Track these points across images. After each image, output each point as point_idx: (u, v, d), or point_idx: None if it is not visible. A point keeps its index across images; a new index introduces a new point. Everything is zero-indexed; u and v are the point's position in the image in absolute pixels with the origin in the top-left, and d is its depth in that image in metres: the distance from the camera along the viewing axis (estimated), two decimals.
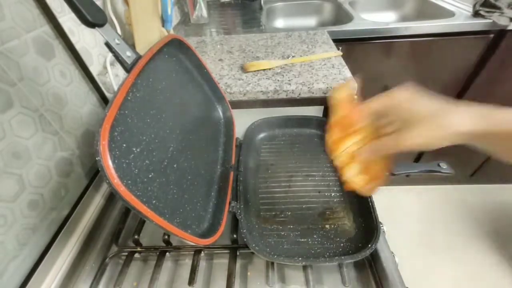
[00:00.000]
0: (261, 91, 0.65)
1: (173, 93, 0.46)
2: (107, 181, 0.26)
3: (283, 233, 0.48)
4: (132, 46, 0.36)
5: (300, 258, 0.42)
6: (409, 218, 1.43)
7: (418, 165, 0.54)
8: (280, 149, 0.66)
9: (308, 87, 0.65)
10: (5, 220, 0.38)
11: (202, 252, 0.47)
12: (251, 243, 0.43)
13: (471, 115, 0.27)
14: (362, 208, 0.48)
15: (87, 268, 0.47)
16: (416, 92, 0.30)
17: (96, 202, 0.55)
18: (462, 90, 1.09)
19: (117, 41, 0.34)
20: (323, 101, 0.68)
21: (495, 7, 0.90)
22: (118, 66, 0.63)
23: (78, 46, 0.53)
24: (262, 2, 1.27)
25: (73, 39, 0.51)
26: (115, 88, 0.60)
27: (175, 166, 0.42)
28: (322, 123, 0.69)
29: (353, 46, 0.96)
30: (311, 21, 1.36)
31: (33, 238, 0.42)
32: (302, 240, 0.47)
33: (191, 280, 0.42)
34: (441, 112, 0.28)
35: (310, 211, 0.51)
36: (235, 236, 0.47)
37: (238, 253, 0.47)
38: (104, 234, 0.52)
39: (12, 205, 0.39)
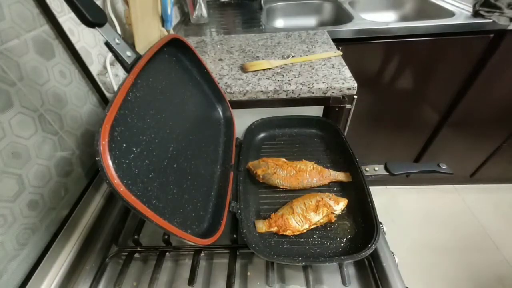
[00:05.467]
0: (261, 91, 0.65)
1: (173, 93, 0.46)
2: (107, 181, 0.26)
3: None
4: (132, 46, 0.36)
5: (300, 258, 0.42)
6: (409, 218, 1.43)
7: (418, 165, 0.54)
8: (280, 149, 0.66)
9: (308, 87, 0.64)
10: (5, 220, 0.38)
11: (202, 252, 0.47)
12: (251, 243, 0.43)
13: None
14: (362, 208, 0.48)
15: (87, 268, 0.47)
16: None
17: (96, 202, 0.55)
18: (462, 90, 1.09)
19: (117, 41, 0.34)
20: (323, 101, 0.68)
21: (495, 7, 0.90)
22: (118, 66, 0.63)
23: (78, 46, 0.52)
24: (262, 2, 1.27)
25: (73, 39, 0.51)
26: (115, 88, 0.60)
27: (175, 166, 0.42)
28: (322, 123, 0.69)
29: (353, 46, 0.96)
30: (311, 21, 1.36)
31: (32, 238, 0.42)
32: (302, 240, 0.47)
33: (191, 280, 0.41)
34: None
35: None
36: (235, 236, 0.47)
37: (238, 253, 0.47)
38: (104, 234, 0.52)
39: (12, 205, 0.39)
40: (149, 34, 0.69)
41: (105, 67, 0.60)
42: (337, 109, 0.70)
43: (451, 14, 0.99)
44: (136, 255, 0.48)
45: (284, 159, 0.59)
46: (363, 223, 0.47)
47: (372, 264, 0.44)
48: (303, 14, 1.34)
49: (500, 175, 1.47)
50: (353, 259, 0.40)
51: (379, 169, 0.55)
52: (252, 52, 0.83)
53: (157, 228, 0.31)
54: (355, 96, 0.70)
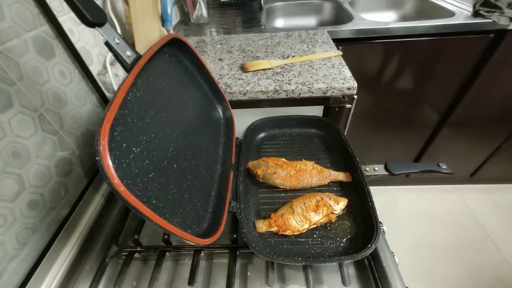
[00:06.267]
0: (261, 91, 0.65)
1: (173, 93, 0.46)
2: (107, 181, 0.26)
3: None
4: (132, 46, 0.36)
5: (300, 258, 0.42)
6: (409, 218, 1.43)
7: (418, 165, 0.54)
8: (280, 149, 0.66)
9: (308, 87, 0.64)
10: (5, 220, 0.38)
11: (202, 252, 0.47)
12: (251, 243, 0.43)
13: None
14: (362, 208, 0.48)
15: (87, 268, 0.47)
16: None
17: (96, 202, 0.55)
18: (462, 90, 1.09)
19: (117, 41, 0.34)
20: (323, 101, 0.68)
21: (495, 7, 0.90)
22: (118, 66, 0.63)
23: (78, 46, 0.52)
24: (262, 2, 1.27)
25: (73, 38, 0.51)
26: (115, 88, 0.60)
27: (175, 166, 0.42)
28: (322, 123, 0.69)
29: (353, 46, 0.96)
30: (311, 21, 1.36)
31: (32, 238, 0.42)
32: (302, 240, 0.47)
33: (191, 280, 0.41)
34: None
35: None
36: (235, 236, 0.47)
37: (238, 253, 0.47)
38: (104, 234, 0.52)
39: (12, 205, 0.39)
40: (149, 34, 0.69)
41: (105, 67, 0.60)
42: (337, 109, 0.70)
43: (451, 14, 0.99)
44: (136, 255, 0.48)
45: (284, 159, 0.59)
46: (363, 223, 0.47)
47: (372, 264, 0.44)
48: (303, 14, 1.34)
49: (500, 175, 1.47)
50: (353, 259, 0.40)
51: (379, 169, 0.55)
52: (252, 52, 0.83)
53: (157, 228, 0.31)
54: (355, 96, 0.70)
